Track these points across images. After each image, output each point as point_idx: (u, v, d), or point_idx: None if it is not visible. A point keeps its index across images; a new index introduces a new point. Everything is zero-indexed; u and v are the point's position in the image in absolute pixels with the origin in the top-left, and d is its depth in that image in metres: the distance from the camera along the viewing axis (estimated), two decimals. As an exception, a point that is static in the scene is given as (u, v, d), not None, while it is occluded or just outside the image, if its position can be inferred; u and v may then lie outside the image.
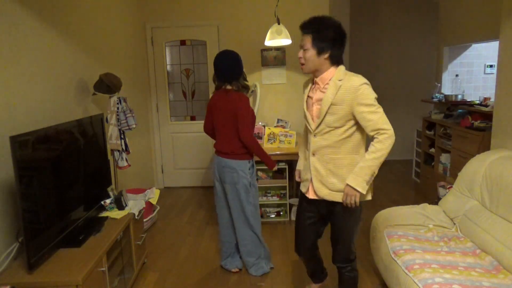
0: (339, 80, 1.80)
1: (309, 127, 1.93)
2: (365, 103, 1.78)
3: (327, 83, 1.85)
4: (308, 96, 1.98)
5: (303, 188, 2.06)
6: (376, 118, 1.78)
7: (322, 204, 1.99)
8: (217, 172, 2.72)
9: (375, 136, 1.80)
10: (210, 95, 4.87)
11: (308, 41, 1.81)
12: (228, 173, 2.63)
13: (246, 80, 2.71)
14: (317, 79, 1.88)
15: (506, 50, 2.77)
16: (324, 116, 1.84)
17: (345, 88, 1.79)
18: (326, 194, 1.93)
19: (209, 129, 2.82)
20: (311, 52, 1.82)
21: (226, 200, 2.79)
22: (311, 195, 1.99)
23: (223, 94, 2.64)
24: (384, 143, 1.77)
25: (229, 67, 2.58)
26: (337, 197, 1.90)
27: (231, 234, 2.88)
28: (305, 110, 1.96)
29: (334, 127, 1.84)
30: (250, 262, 2.82)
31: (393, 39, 6.00)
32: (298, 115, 4.89)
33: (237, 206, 2.71)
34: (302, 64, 1.87)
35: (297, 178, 2.19)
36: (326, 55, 1.82)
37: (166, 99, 4.95)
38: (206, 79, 4.93)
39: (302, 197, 2.10)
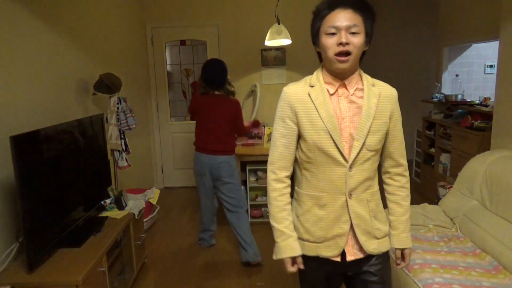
0: (373, 86, 1.34)
1: (337, 157, 1.28)
2: (400, 121, 1.38)
3: (357, 89, 1.32)
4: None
5: (330, 251, 1.34)
6: (404, 143, 1.41)
7: (354, 265, 1.37)
8: (209, 170, 2.95)
9: (402, 172, 1.41)
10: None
11: (360, 20, 1.23)
12: (225, 167, 2.91)
13: (232, 86, 3.00)
14: (346, 82, 1.30)
15: (506, 50, 2.77)
16: (366, 136, 1.28)
17: (385, 97, 1.34)
18: (376, 246, 1.34)
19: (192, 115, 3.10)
20: (362, 38, 1.24)
21: (213, 192, 3.09)
22: (350, 256, 1.35)
23: (216, 99, 2.91)
24: (409, 182, 1.44)
25: (221, 75, 2.86)
26: (386, 246, 1.37)
27: (212, 221, 3.20)
28: (330, 131, 1.27)
29: (376, 151, 1.32)
30: (253, 247, 2.95)
31: (393, 39, 6.00)
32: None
33: (236, 195, 2.97)
34: (347, 54, 1.23)
35: (300, 266, 1.36)
36: (367, 47, 1.30)
37: (166, 99, 4.95)
38: (206, 79, 4.93)
39: (322, 265, 1.39)
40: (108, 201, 2.66)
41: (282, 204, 1.38)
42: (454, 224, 2.59)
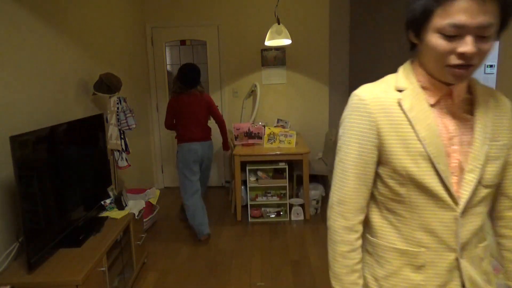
0: (486, 93, 0.97)
1: (443, 196, 0.89)
2: None
3: (464, 98, 0.94)
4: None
5: None
6: None
7: None
8: (201, 155, 3.43)
9: None
10: (210, 95, 4.89)
11: (497, 14, 0.79)
12: (211, 150, 3.55)
13: (202, 86, 3.51)
14: (453, 89, 0.91)
15: (506, 50, 2.77)
16: (483, 166, 0.90)
17: (502, 109, 0.95)
18: None
19: (171, 125, 3.50)
20: (492, 42, 0.82)
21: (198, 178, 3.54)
22: None
23: (193, 97, 3.37)
24: None
25: (197, 76, 3.35)
26: None
27: (205, 214, 3.47)
28: (433, 159, 0.88)
29: (493, 187, 0.93)
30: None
31: (393, 37, 6.00)
32: (298, 115, 4.89)
33: (210, 170, 3.71)
34: (469, 66, 0.83)
35: None
36: None
37: (166, 99, 4.95)
38: (206, 79, 4.93)
39: None
40: (108, 201, 2.66)
41: (353, 263, 0.97)
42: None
